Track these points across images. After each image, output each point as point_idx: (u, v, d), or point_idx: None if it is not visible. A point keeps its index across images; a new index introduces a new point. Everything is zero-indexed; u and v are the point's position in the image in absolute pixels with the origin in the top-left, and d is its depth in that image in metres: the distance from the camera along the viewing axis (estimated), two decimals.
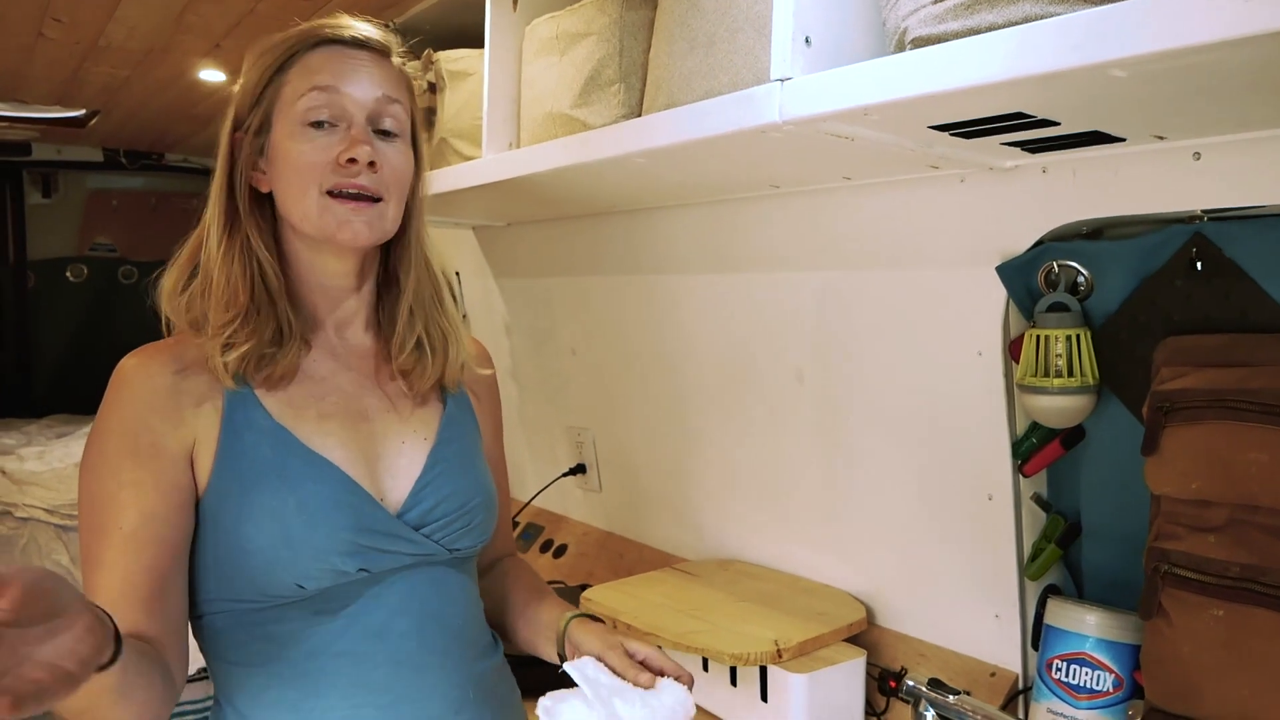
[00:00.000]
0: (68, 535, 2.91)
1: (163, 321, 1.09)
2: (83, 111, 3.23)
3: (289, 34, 1.07)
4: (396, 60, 1.12)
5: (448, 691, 1.07)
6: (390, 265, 1.17)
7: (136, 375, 1.02)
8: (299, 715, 1.02)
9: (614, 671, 1.06)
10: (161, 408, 1.00)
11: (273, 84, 1.06)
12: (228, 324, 1.03)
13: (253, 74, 1.07)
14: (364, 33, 1.09)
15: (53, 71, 2.62)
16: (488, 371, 1.29)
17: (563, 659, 1.12)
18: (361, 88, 1.06)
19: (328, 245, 1.07)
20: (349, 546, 1.01)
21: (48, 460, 3.19)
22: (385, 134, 1.08)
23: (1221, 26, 0.71)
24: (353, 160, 1.03)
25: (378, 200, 1.06)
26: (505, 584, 1.30)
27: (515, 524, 2.62)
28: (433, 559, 1.09)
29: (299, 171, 1.03)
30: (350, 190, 1.04)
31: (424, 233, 1.18)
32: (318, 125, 1.04)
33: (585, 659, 1.07)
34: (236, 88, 1.09)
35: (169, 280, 1.09)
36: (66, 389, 4.07)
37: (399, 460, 1.10)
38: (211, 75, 2.63)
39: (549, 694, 1.03)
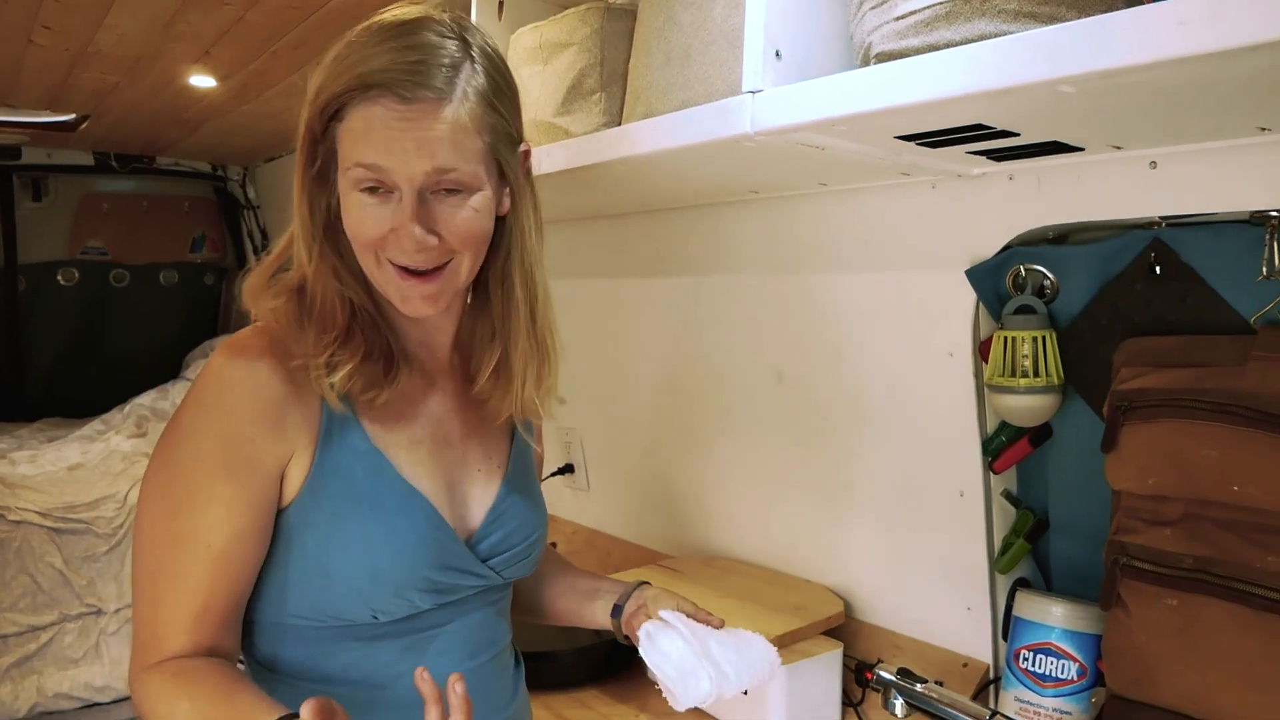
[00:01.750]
0: (60, 538, 2.93)
1: (251, 318, 1.02)
2: (73, 116, 3.25)
3: (342, 64, 0.93)
4: (456, 96, 0.93)
5: (493, 712, 1.09)
6: (482, 285, 1.09)
7: (243, 381, 0.95)
8: None
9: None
10: (266, 420, 0.94)
11: (331, 129, 0.95)
12: (329, 345, 0.97)
13: (315, 107, 0.95)
14: (415, 76, 0.91)
15: (43, 77, 2.65)
16: (540, 419, 1.24)
17: (616, 624, 1.19)
18: (410, 161, 0.91)
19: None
20: (429, 584, 1.01)
21: (40, 464, 3.21)
22: (451, 191, 0.95)
23: (1159, 47, 0.75)
24: (401, 244, 0.94)
25: (440, 269, 0.97)
26: (542, 566, 1.28)
27: None
28: (489, 587, 1.10)
29: (355, 236, 0.96)
30: (410, 266, 0.96)
31: (527, 257, 1.08)
32: (371, 191, 0.93)
33: (673, 612, 1.11)
34: (306, 99, 0.96)
35: (256, 278, 1.02)
36: (58, 392, 4.08)
37: (474, 489, 1.09)
38: (202, 81, 2.66)
39: (649, 622, 1.08)
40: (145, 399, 3.60)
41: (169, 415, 1.13)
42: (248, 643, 1.03)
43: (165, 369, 3.93)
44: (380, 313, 1.04)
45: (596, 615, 1.23)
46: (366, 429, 1.00)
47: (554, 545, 2.49)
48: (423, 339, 1.09)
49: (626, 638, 1.20)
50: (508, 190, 1.03)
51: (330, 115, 0.94)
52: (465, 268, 0.99)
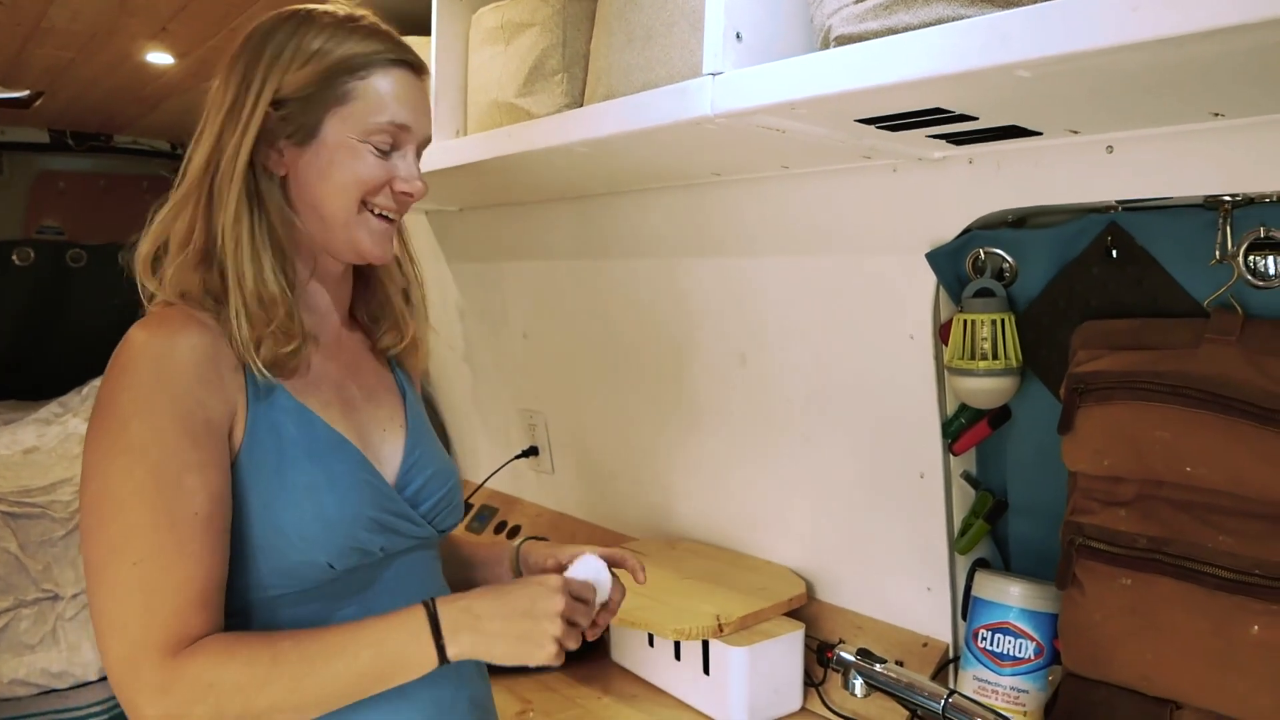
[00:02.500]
0: (16, 523, 2.88)
1: (140, 290, 1.04)
2: (27, 93, 3.18)
3: (365, 32, 1.05)
4: None
5: (452, 671, 1.06)
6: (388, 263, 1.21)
7: (176, 348, 0.96)
8: None
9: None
10: (209, 380, 0.96)
11: (336, 88, 1.03)
12: (265, 323, 1.00)
13: (310, 68, 1.02)
14: (418, 62, 1.10)
15: None
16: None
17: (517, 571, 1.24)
18: (423, 124, 1.10)
19: (341, 251, 1.08)
20: (372, 524, 1.03)
21: None
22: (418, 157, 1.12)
23: (1113, 32, 0.76)
24: (407, 194, 1.08)
25: (396, 222, 1.11)
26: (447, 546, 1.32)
27: (469, 506, 2.65)
28: (428, 542, 1.13)
29: (349, 184, 1.04)
30: (389, 214, 1.08)
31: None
32: (378, 147, 1.05)
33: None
34: (276, 58, 1.03)
35: (145, 248, 1.05)
36: (13, 375, 4.00)
37: (384, 447, 1.12)
38: (159, 58, 2.61)
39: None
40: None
41: None
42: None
43: None
44: (296, 285, 1.08)
45: (506, 575, 1.26)
46: (288, 388, 1.03)
47: (518, 528, 2.49)
48: (325, 309, 1.14)
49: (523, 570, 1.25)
50: None
51: (349, 70, 1.03)
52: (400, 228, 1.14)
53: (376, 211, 1.07)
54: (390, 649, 0.94)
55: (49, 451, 3.09)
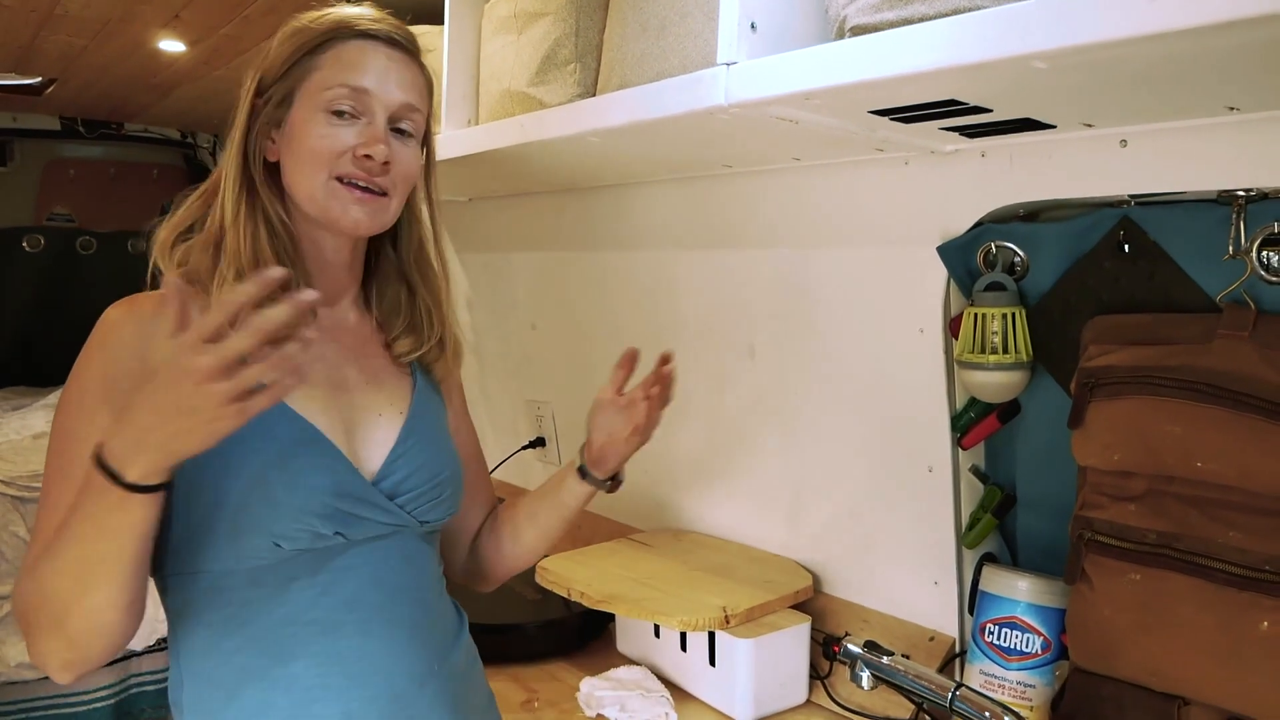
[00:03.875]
0: (25, 507, 2.90)
1: (148, 272, 1.08)
2: (39, 79, 3.19)
3: (326, 18, 1.10)
4: (423, 62, 1.16)
5: (414, 664, 1.08)
6: (402, 254, 1.22)
7: (122, 322, 1.01)
8: (267, 683, 1.02)
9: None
10: (145, 356, 0.98)
11: (302, 64, 1.08)
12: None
13: (285, 47, 1.09)
14: (396, 33, 1.12)
15: (8, 39, 2.59)
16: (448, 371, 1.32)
17: (593, 477, 1.30)
18: (389, 89, 1.09)
19: (327, 226, 1.10)
20: (327, 509, 1.02)
21: (4, 432, 3.17)
22: (401, 133, 1.11)
23: (1131, 24, 0.75)
24: (369, 156, 1.06)
25: (383, 195, 1.10)
26: (502, 515, 1.37)
27: None
28: (404, 530, 1.11)
29: (313, 154, 1.06)
30: (360, 182, 1.07)
31: (438, 226, 1.25)
32: (339, 114, 1.07)
33: None
34: (267, 53, 1.11)
35: (165, 232, 1.10)
36: (23, 360, 4.02)
37: (375, 432, 1.12)
38: (171, 45, 2.61)
39: None
40: None
41: None
42: (168, 607, 1.06)
43: None
44: (295, 262, 1.10)
45: (574, 489, 1.31)
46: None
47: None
48: (327, 290, 1.15)
49: (612, 478, 1.32)
50: (427, 166, 1.21)
51: (311, 49, 1.08)
52: (392, 209, 1.12)
53: (346, 180, 1.07)
54: (86, 509, 0.88)
55: None
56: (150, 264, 1.09)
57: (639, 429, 1.28)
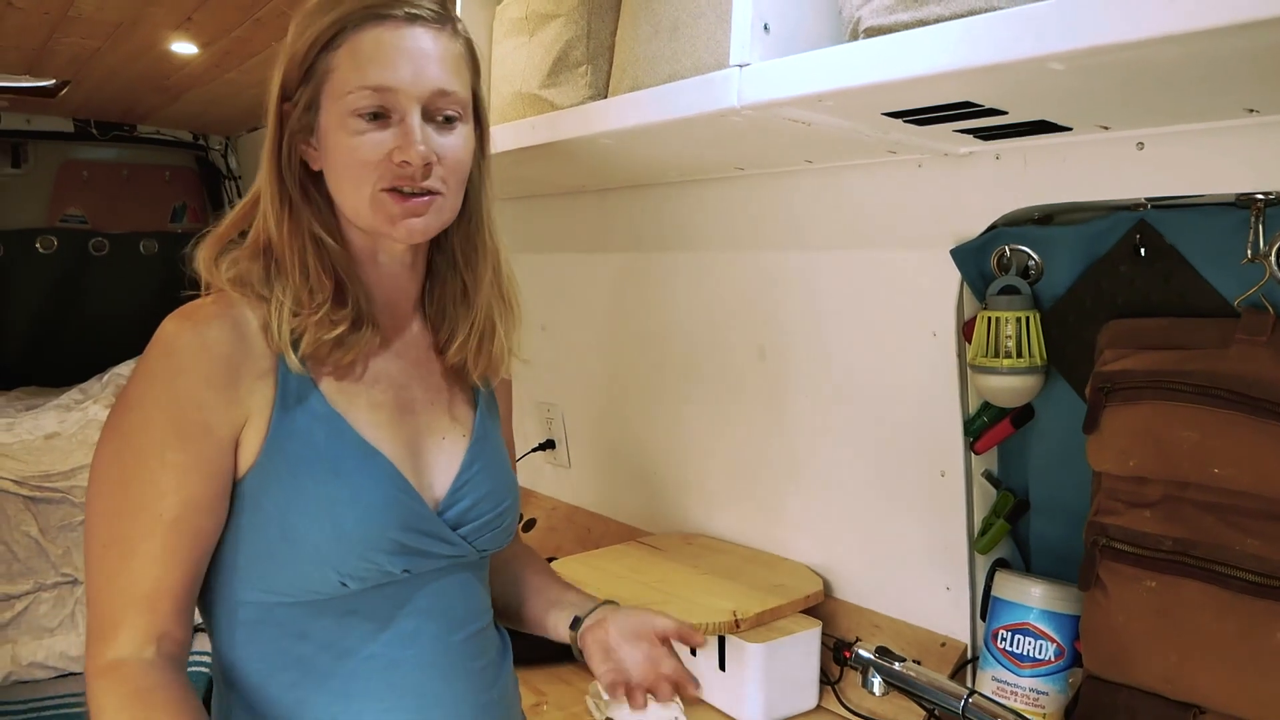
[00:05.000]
0: (36, 507, 2.91)
1: (202, 287, 1.01)
2: (53, 81, 3.20)
3: (334, 3, 0.97)
4: (459, 27, 1.03)
5: (474, 696, 1.06)
6: (449, 248, 1.10)
7: (191, 344, 0.93)
8: (326, 718, 0.99)
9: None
10: (217, 383, 0.93)
11: (320, 63, 0.97)
12: (314, 308, 0.97)
13: (300, 44, 0.98)
14: (418, 5, 0.98)
15: (22, 41, 2.60)
16: (509, 374, 1.26)
17: (573, 636, 1.17)
18: (417, 79, 0.96)
19: (381, 239, 1.03)
20: (395, 546, 0.98)
21: (17, 432, 3.18)
22: (447, 120, 1.00)
23: (1148, 25, 0.74)
24: (406, 162, 0.96)
25: (436, 195, 0.99)
26: (517, 567, 1.29)
27: None
28: (462, 560, 1.07)
29: (348, 169, 0.97)
30: (406, 188, 0.97)
31: (490, 214, 1.11)
32: (371, 117, 0.96)
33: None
34: (284, 51, 1.00)
35: (207, 250, 1.01)
36: (35, 361, 4.03)
37: (440, 457, 1.07)
38: (183, 48, 2.62)
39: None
40: (124, 368, 3.56)
41: None
42: (221, 637, 1.01)
43: (144, 339, 3.82)
44: (352, 274, 1.03)
45: (558, 626, 1.21)
46: (324, 392, 0.99)
47: (533, 521, 2.49)
48: (388, 300, 1.08)
49: (580, 652, 1.17)
50: (481, 142, 1.07)
51: (324, 45, 0.96)
52: (449, 205, 1.02)
53: (388, 189, 0.97)
54: None
55: (70, 437, 3.11)
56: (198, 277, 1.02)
57: (640, 688, 1.12)
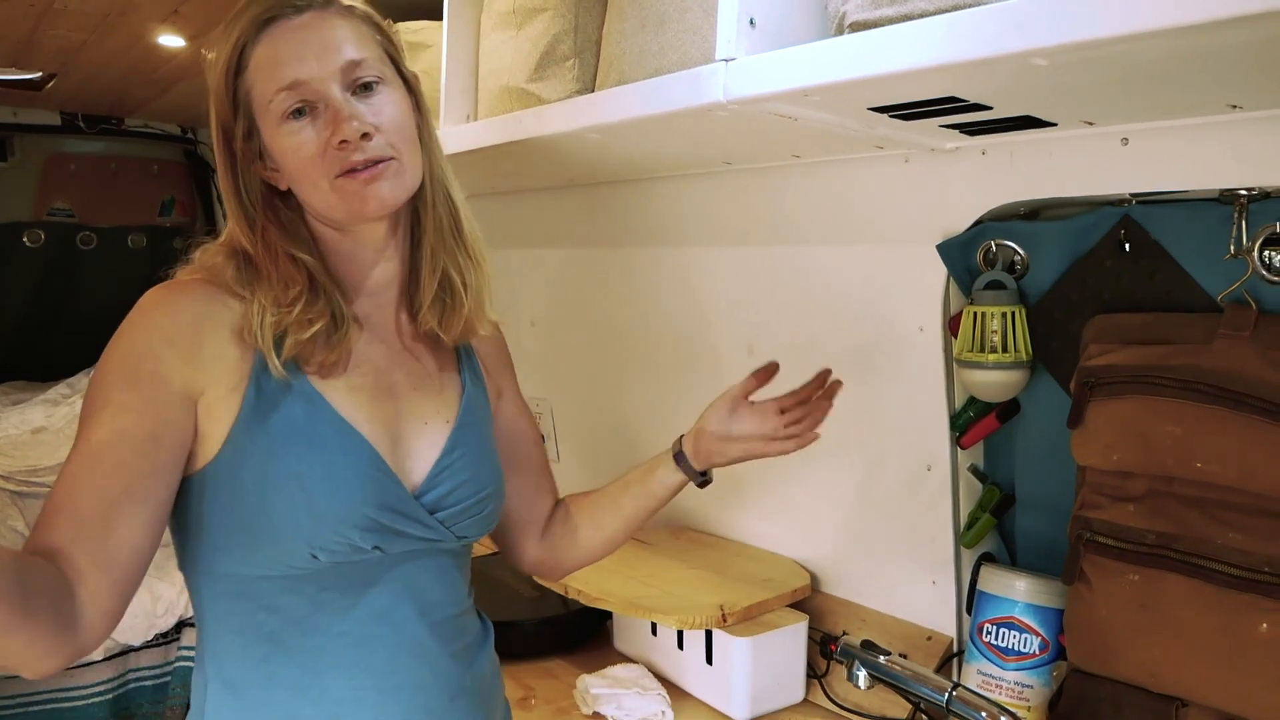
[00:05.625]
0: (24, 501, 2.90)
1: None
2: (39, 74, 3.18)
3: (231, 26, 1.00)
4: (345, 2, 1.04)
5: (446, 679, 1.07)
6: (415, 217, 1.11)
7: (160, 305, 0.98)
8: (296, 692, 1.00)
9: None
10: (178, 340, 0.96)
11: (240, 87, 1.00)
12: (290, 304, 0.99)
13: (218, 80, 1.01)
14: None
15: (7, 32, 2.59)
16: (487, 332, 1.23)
17: (686, 466, 1.27)
18: (321, 61, 0.98)
19: (360, 223, 1.04)
20: (368, 522, 0.99)
21: (4, 427, 3.18)
22: (367, 87, 1.00)
23: (1130, 20, 0.74)
24: (345, 141, 0.97)
25: (389, 159, 1.00)
26: (577, 505, 1.34)
27: None
28: (440, 545, 1.07)
29: (298, 167, 0.99)
30: (355, 167, 0.98)
31: (438, 163, 1.11)
32: (297, 115, 0.98)
33: None
34: (209, 94, 1.03)
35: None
36: (23, 355, 4.01)
37: (420, 441, 1.07)
38: (171, 40, 2.61)
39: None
40: None
41: None
42: (200, 609, 1.03)
43: None
44: (330, 275, 1.05)
45: (664, 476, 1.29)
46: (306, 372, 1.01)
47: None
48: (370, 289, 1.09)
49: (705, 474, 1.29)
50: (414, 102, 1.07)
51: (235, 70, 0.99)
52: (409, 166, 1.03)
53: (342, 174, 0.98)
54: None
55: (57, 432, 3.10)
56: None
57: (778, 439, 1.27)
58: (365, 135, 0.98)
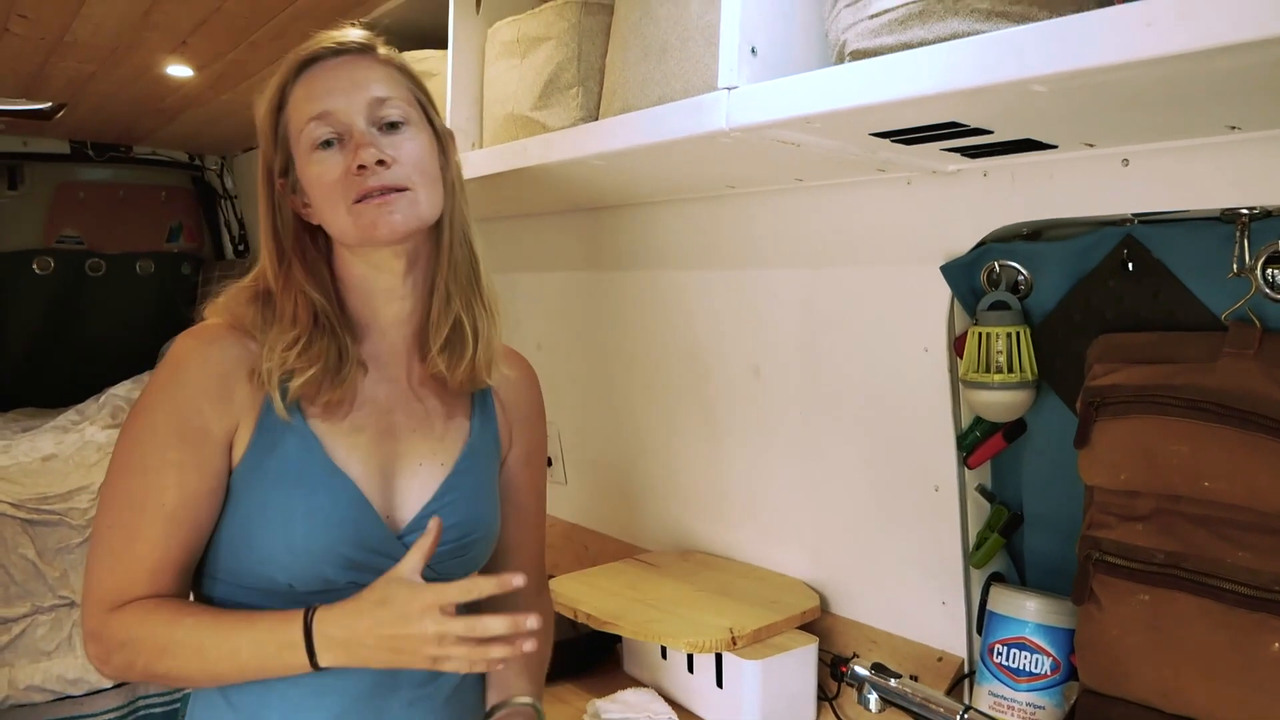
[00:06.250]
0: (34, 529, 2.90)
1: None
2: (49, 104, 3.21)
3: (277, 69, 1.10)
4: (382, 52, 1.12)
5: (428, 708, 1.11)
6: (431, 262, 1.16)
7: (195, 357, 1.05)
8: (264, 687, 1.04)
9: None
10: (214, 393, 1.03)
11: (280, 124, 1.09)
12: (290, 346, 1.05)
13: (264, 121, 1.10)
14: (339, 39, 1.10)
15: (18, 65, 2.61)
16: (514, 374, 1.28)
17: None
18: (349, 96, 1.06)
19: (375, 249, 1.09)
20: (343, 560, 1.04)
21: (13, 454, 3.18)
22: (392, 126, 1.08)
23: (1128, 48, 0.76)
24: (362, 166, 1.03)
25: (404, 190, 1.06)
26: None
27: None
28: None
29: (322, 193, 1.06)
30: (371, 193, 1.04)
31: (465, 220, 1.16)
32: (325, 145, 1.06)
33: None
34: (258, 132, 1.12)
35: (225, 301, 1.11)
36: (32, 383, 4.03)
37: (412, 482, 1.12)
38: (179, 70, 2.63)
39: None
40: (120, 389, 3.56)
41: None
42: (196, 587, 1.11)
43: (141, 359, 3.87)
44: (342, 316, 1.11)
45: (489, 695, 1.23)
46: (307, 412, 1.07)
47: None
48: (382, 328, 1.14)
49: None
50: (442, 148, 1.14)
51: (277, 107, 1.09)
52: (424, 199, 1.08)
53: (359, 199, 1.05)
54: (268, 650, 0.98)
55: (67, 459, 3.10)
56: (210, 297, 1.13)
57: None
58: (381, 162, 1.04)
